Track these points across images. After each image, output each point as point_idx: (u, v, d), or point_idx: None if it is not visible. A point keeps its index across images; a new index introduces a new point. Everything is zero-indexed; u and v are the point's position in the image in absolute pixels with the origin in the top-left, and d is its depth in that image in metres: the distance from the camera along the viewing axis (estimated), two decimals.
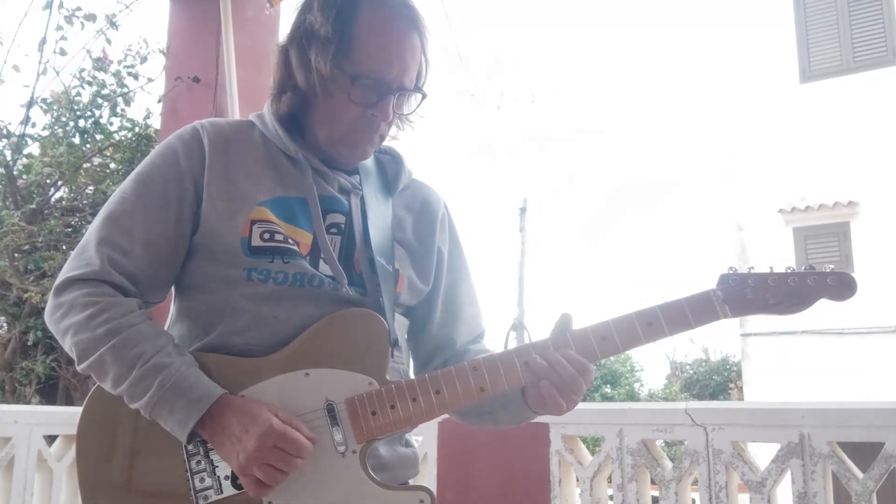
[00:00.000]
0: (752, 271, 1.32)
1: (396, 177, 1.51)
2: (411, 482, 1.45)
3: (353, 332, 1.32)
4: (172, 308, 1.43)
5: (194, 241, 1.36)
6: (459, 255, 1.57)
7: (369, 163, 1.49)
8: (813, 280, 1.30)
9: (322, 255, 1.36)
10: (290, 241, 1.34)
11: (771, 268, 1.32)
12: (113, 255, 1.31)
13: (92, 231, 1.35)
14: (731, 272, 1.32)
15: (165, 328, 1.40)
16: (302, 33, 1.36)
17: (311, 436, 1.24)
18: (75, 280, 1.30)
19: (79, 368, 1.29)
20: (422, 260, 1.48)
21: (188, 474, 1.27)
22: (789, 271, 1.32)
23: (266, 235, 1.33)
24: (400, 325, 1.44)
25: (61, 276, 1.32)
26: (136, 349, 1.25)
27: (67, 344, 1.29)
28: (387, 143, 1.47)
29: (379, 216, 1.43)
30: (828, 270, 1.30)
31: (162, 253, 1.34)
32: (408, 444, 1.46)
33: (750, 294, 1.31)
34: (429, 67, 1.43)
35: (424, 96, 1.42)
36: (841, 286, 1.30)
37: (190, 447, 1.26)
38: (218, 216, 1.34)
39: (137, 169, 1.40)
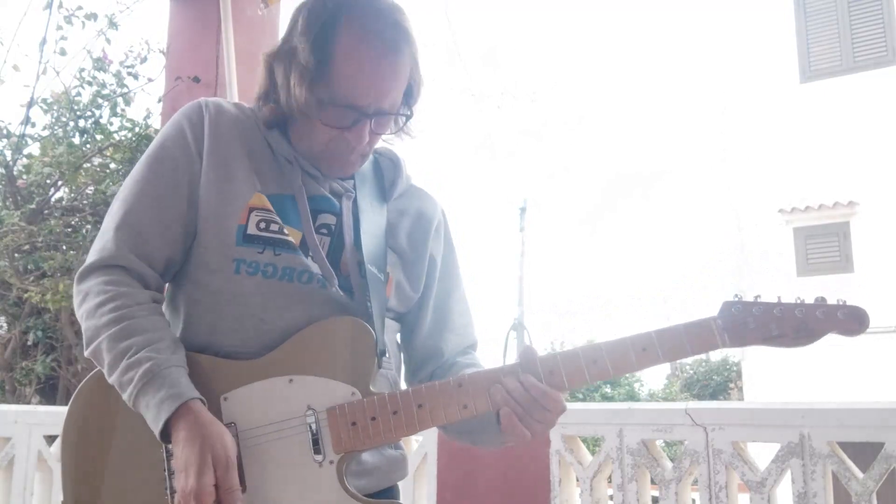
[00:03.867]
0: (759, 300, 1.26)
1: (393, 182, 1.50)
2: (399, 484, 1.45)
3: (340, 340, 1.30)
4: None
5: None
6: (453, 264, 1.55)
7: (367, 166, 1.47)
8: (822, 312, 1.23)
9: (310, 253, 1.35)
10: (286, 231, 1.33)
11: (779, 297, 1.26)
12: (130, 239, 1.32)
13: (109, 216, 1.36)
14: (735, 300, 1.27)
15: None
16: (286, 52, 1.34)
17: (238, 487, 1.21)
18: (95, 268, 1.32)
19: (85, 354, 1.30)
20: (413, 266, 1.47)
21: (166, 473, 1.26)
22: (798, 302, 1.25)
23: (262, 225, 1.32)
24: (390, 330, 1.43)
25: (84, 264, 1.34)
26: (128, 340, 1.25)
27: (82, 329, 1.31)
28: (383, 147, 1.46)
29: (372, 223, 1.41)
30: (839, 303, 1.24)
31: (177, 234, 1.34)
32: (396, 447, 1.45)
33: (752, 324, 1.25)
34: (421, 86, 1.39)
35: (409, 116, 1.39)
36: (852, 320, 1.23)
37: (170, 447, 1.25)
38: (218, 199, 1.33)
39: (148, 151, 1.40)
